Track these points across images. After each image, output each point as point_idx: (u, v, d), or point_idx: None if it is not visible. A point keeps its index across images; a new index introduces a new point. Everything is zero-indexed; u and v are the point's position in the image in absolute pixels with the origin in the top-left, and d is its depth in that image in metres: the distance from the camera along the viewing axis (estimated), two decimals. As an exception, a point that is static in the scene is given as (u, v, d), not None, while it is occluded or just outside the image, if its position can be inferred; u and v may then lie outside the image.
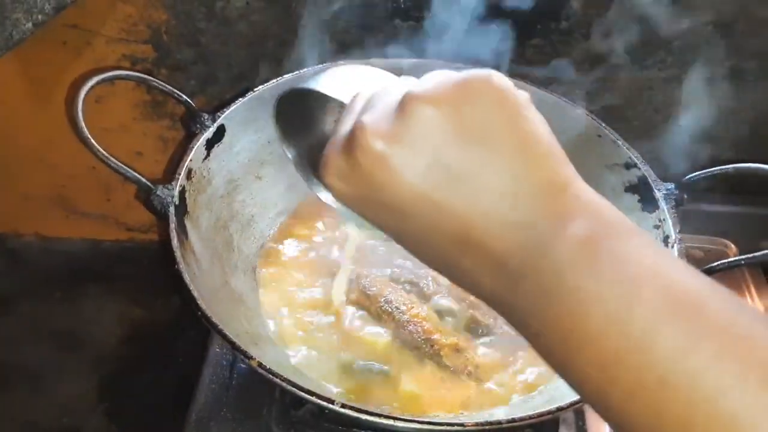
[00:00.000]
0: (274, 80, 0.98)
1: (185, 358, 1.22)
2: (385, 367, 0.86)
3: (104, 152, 0.79)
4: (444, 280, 0.96)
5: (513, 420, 0.67)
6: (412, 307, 0.91)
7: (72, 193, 1.31)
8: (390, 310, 0.90)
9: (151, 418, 1.17)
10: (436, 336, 0.88)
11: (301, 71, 1.00)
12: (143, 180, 0.80)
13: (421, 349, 0.87)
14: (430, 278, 0.95)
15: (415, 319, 0.89)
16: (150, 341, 1.29)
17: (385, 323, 0.90)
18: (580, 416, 0.95)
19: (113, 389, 1.23)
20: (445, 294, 0.93)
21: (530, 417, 0.67)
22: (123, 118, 1.21)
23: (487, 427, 0.68)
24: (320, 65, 1.02)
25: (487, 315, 0.91)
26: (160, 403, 1.14)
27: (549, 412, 0.68)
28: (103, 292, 1.33)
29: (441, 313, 0.92)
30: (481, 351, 0.88)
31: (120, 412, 1.20)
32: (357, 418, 0.68)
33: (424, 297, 0.93)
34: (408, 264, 0.97)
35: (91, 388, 1.22)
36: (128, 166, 0.80)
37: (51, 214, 1.34)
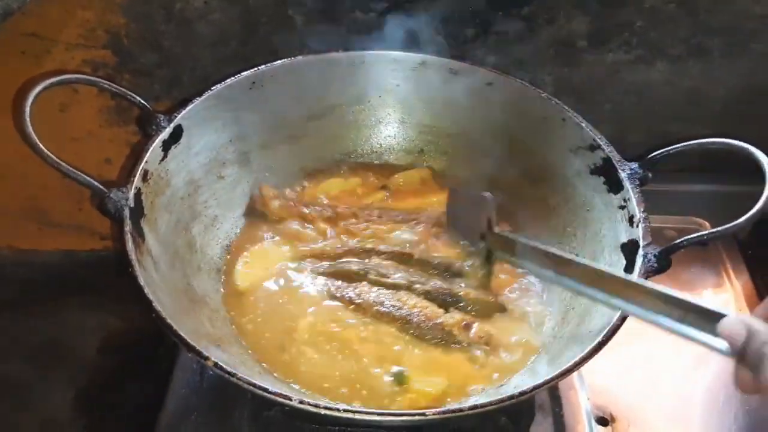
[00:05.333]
0: (232, 78, 0.97)
1: (164, 366, 1.21)
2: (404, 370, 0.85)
3: (54, 157, 0.77)
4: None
5: (475, 407, 0.66)
6: (407, 300, 0.89)
7: (44, 204, 1.30)
8: (386, 310, 0.89)
9: (132, 429, 1.15)
10: (441, 320, 0.87)
11: (261, 67, 1.00)
12: (96, 184, 0.79)
13: (425, 337, 0.87)
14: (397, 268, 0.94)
15: (415, 310, 0.88)
16: (129, 351, 1.27)
17: (388, 323, 0.88)
18: (556, 403, 0.94)
19: (93, 401, 1.21)
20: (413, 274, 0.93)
21: (490, 404, 0.66)
22: (89, 125, 1.19)
23: (449, 415, 0.67)
24: (286, 59, 1.02)
25: (453, 283, 0.92)
26: (140, 413, 1.12)
27: (510, 397, 0.67)
28: (81, 303, 1.31)
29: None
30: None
31: (100, 424, 1.19)
32: (317, 414, 0.67)
33: (406, 287, 0.92)
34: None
35: (71, 401, 1.20)
36: (80, 170, 0.79)
37: (25, 226, 1.33)
